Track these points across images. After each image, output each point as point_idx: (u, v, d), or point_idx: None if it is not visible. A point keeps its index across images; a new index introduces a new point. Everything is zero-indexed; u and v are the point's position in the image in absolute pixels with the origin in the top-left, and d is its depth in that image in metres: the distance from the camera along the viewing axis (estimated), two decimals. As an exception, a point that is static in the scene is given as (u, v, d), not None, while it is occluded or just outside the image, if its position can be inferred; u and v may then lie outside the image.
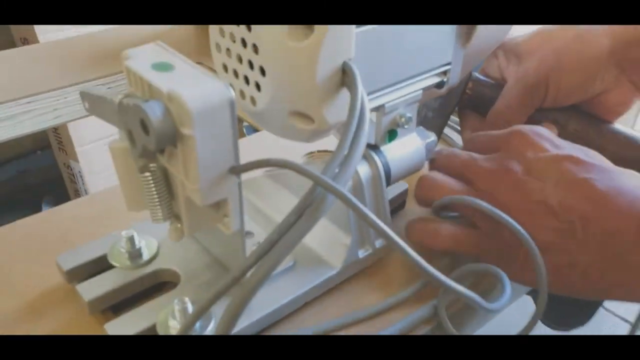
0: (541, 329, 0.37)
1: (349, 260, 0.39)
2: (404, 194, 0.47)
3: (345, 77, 0.32)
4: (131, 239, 0.38)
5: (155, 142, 0.28)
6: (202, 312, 0.30)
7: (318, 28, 0.30)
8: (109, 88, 0.69)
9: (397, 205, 0.47)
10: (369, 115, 0.31)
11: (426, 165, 0.44)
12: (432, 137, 0.43)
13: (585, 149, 0.38)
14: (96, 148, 1.31)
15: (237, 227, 0.33)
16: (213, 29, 0.35)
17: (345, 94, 0.33)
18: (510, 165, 0.38)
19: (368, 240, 0.40)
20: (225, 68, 0.35)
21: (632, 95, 0.45)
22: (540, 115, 0.46)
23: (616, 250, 0.34)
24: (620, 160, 0.41)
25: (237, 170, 0.31)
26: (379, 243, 0.41)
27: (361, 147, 0.30)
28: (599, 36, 0.43)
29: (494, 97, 0.47)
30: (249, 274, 0.28)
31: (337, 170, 0.30)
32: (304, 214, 0.29)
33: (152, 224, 0.33)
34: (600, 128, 0.46)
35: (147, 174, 0.32)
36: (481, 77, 0.49)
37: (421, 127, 0.43)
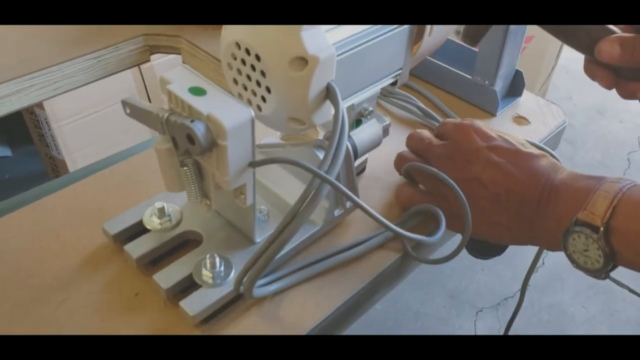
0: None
1: (328, 219, 0.52)
2: (364, 162, 0.60)
3: (328, 93, 0.44)
4: (161, 209, 0.50)
5: (200, 151, 0.40)
6: (248, 269, 0.43)
7: (311, 60, 0.41)
8: (98, 61, 0.77)
9: (361, 170, 0.61)
10: (347, 125, 0.43)
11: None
12: (387, 120, 0.56)
13: (509, 137, 0.52)
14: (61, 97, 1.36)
15: (251, 202, 0.45)
16: (226, 52, 0.45)
17: (327, 103, 0.44)
18: (452, 154, 0.52)
19: (341, 202, 0.53)
20: (235, 82, 0.46)
21: None
22: None
23: (527, 214, 0.49)
24: None
25: (254, 164, 0.43)
26: (349, 204, 0.54)
27: (344, 149, 0.43)
28: None
29: None
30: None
31: (329, 163, 0.42)
32: (307, 200, 0.42)
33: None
34: None
35: (186, 168, 0.43)
36: None
37: (379, 113, 0.56)
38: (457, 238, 0.53)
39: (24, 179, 1.70)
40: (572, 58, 2.54)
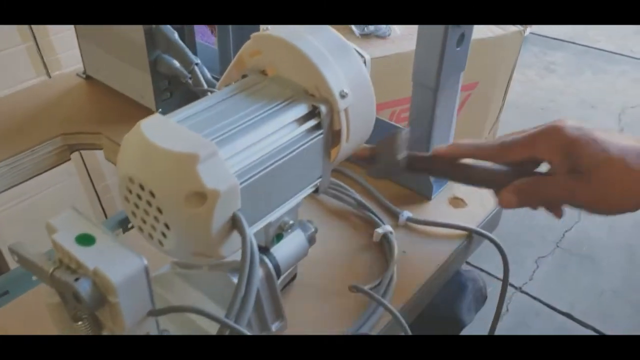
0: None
1: (253, 347, 0.48)
2: (294, 269, 0.56)
3: (235, 222, 0.40)
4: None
5: (87, 311, 0.36)
6: None
7: (210, 195, 0.38)
8: (12, 168, 0.73)
9: (291, 278, 0.57)
10: (257, 256, 0.40)
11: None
12: (312, 228, 0.52)
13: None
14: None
15: (158, 348, 0.41)
16: (121, 185, 0.41)
17: (235, 232, 0.41)
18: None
19: (266, 326, 0.49)
20: (134, 214, 0.42)
21: None
22: None
23: None
24: None
25: (154, 313, 0.39)
26: (274, 326, 0.50)
27: (255, 287, 0.39)
28: None
29: None
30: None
31: (238, 307, 0.38)
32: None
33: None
34: None
35: (80, 322, 0.39)
36: None
37: (304, 220, 0.52)
38: None
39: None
40: (521, 92, 2.58)
